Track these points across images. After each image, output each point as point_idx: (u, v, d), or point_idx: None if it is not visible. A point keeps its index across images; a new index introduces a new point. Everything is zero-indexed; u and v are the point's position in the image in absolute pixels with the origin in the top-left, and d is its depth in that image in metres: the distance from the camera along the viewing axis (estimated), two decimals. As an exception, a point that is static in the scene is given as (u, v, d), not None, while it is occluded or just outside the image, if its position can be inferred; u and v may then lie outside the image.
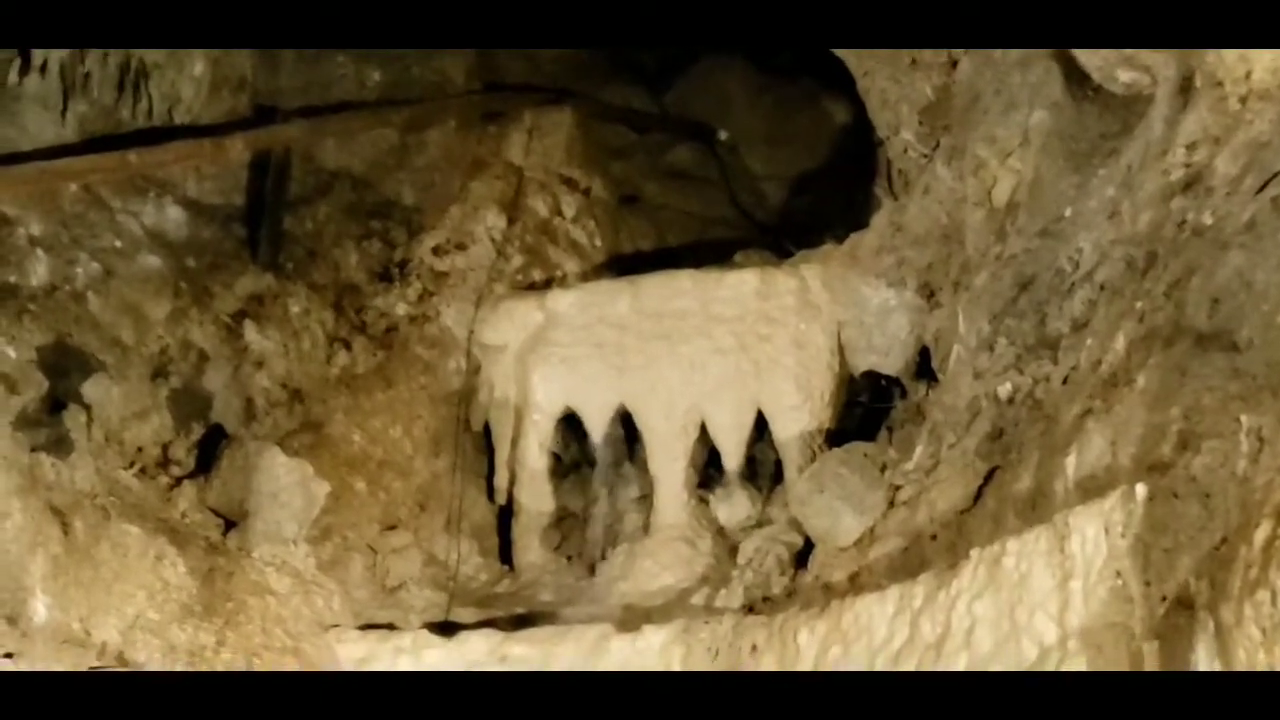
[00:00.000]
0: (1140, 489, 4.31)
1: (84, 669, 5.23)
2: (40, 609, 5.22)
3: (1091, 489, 4.61)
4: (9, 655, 5.04)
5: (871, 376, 6.76)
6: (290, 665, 5.83)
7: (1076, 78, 5.64)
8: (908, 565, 5.45)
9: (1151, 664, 4.14)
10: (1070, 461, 4.81)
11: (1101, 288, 5.15)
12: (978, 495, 5.43)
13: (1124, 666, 4.28)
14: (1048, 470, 4.96)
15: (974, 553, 4.88)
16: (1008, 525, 5.00)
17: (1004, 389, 5.53)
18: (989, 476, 5.42)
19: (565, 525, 7.20)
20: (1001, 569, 4.74)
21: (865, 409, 6.84)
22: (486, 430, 7.23)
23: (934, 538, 5.51)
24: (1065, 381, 5.17)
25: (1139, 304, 4.81)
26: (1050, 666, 4.48)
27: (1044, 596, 4.58)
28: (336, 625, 6.12)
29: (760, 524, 6.63)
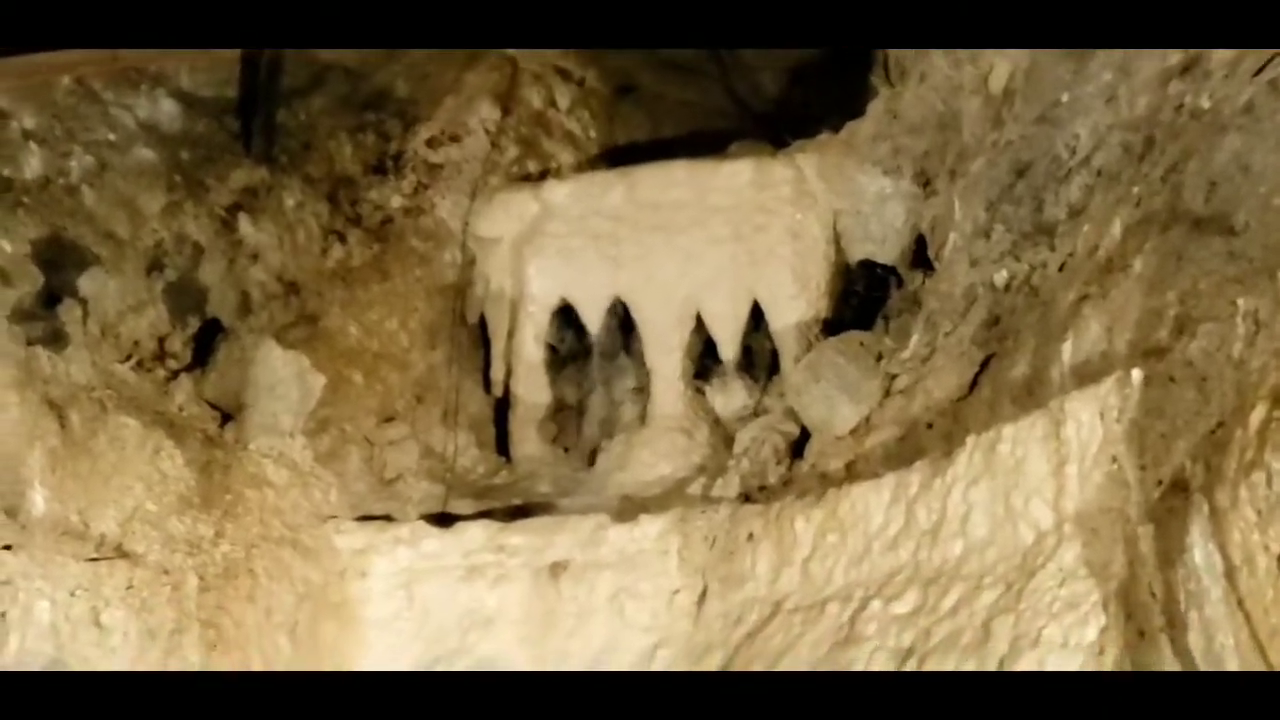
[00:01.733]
0: (1136, 374, 4.32)
1: (83, 560, 5.26)
2: (39, 501, 5.24)
3: (1087, 375, 4.63)
4: (8, 547, 5.07)
5: (867, 266, 6.73)
6: (288, 556, 5.87)
7: (1075, -38, 5.60)
8: (904, 453, 5.47)
9: (1146, 548, 4.17)
10: (1066, 348, 4.82)
11: (1098, 173, 5.13)
12: (974, 383, 5.44)
13: (1119, 551, 4.30)
14: (1044, 357, 4.97)
15: (970, 440, 4.91)
16: (1004, 412, 5.01)
17: (1000, 276, 5.53)
18: (985, 364, 5.43)
19: (562, 417, 7.21)
20: (997, 455, 4.76)
21: (861, 298, 6.81)
22: (482, 323, 7.21)
23: (930, 426, 5.52)
24: (1062, 268, 5.16)
25: (1136, 189, 4.80)
26: (1046, 551, 4.51)
27: (1040, 482, 4.61)
28: (334, 517, 6.15)
29: (757, 414, 6.63)
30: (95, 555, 5.34)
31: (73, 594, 5.21)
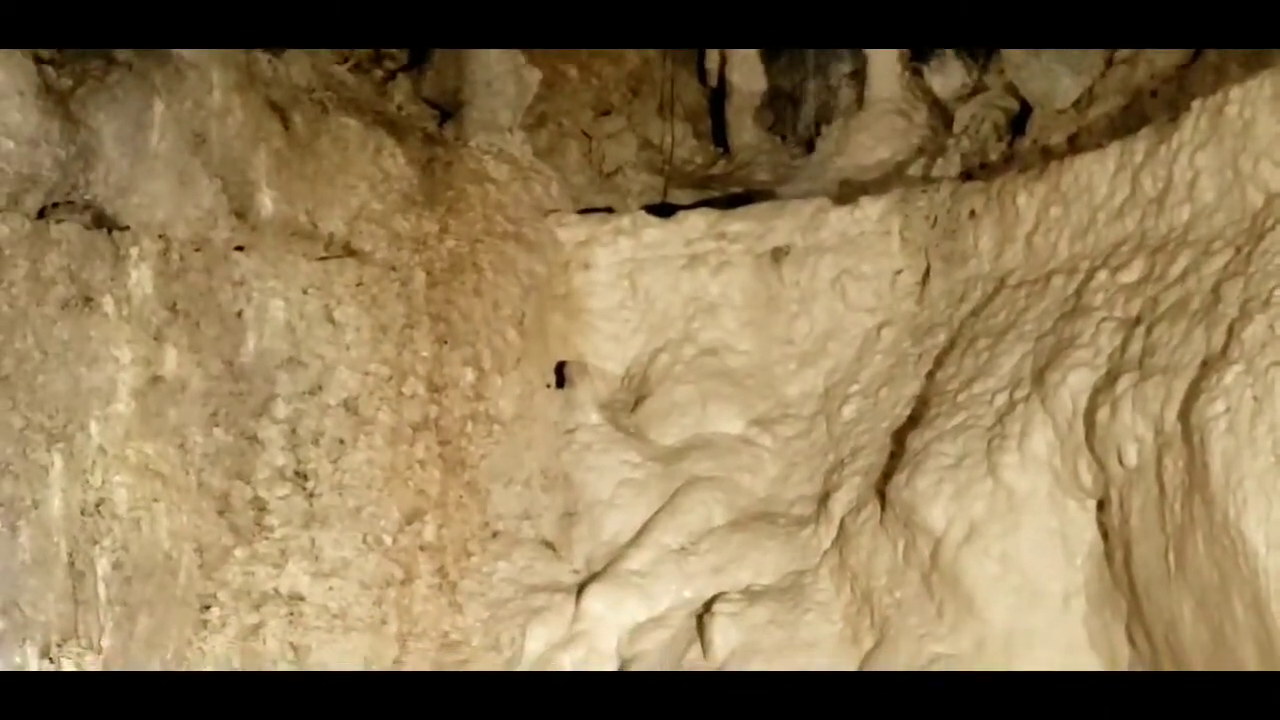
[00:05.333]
0: (1372, 14, 4.19)
1: (313, 259, 5.35)
2: (267, 203, 5.29)
3: (1318, 29, 4.49)
4: (240, 248, 5.15)
5: (1088, -65, 6.54)
6: (512, 250, 5.93)
7: None
8: (1128, 122, 5.38)
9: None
10: (1297, 2, 4.67)
11: None
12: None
13: (1355, 204, 4.23)
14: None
15: (1195, 104, 4.81)
16: (1230, 75, 4.89)
17: (1226, -65, 5.35)
18: (1211, 27, 5.29)
19: (778, 105, 7.16)
20: (1224, 118, 4.67)
21: (1082, -33, 6.64)
22: (696, 11, 7.14)
23: (1154, 94, 5.42)
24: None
25: None
26: (1276, 213, 4.43)
27: (1269, 143, 4.51)
28: (556, 210, 6.19)
29: (975, 92, 6.52)
30: (324, 254, 5.42)
31: (305, 292, 5.30)
